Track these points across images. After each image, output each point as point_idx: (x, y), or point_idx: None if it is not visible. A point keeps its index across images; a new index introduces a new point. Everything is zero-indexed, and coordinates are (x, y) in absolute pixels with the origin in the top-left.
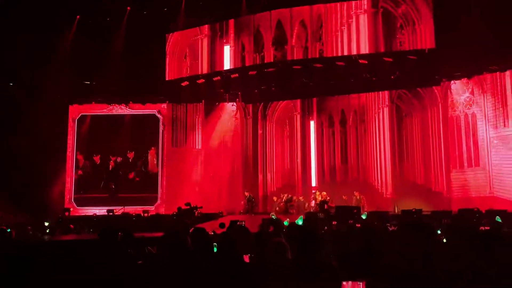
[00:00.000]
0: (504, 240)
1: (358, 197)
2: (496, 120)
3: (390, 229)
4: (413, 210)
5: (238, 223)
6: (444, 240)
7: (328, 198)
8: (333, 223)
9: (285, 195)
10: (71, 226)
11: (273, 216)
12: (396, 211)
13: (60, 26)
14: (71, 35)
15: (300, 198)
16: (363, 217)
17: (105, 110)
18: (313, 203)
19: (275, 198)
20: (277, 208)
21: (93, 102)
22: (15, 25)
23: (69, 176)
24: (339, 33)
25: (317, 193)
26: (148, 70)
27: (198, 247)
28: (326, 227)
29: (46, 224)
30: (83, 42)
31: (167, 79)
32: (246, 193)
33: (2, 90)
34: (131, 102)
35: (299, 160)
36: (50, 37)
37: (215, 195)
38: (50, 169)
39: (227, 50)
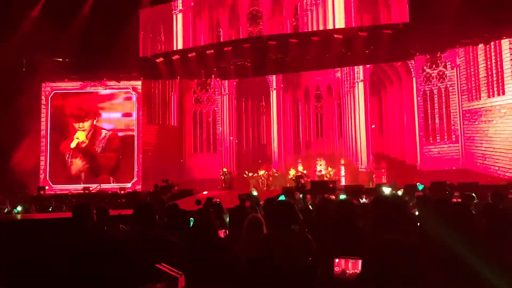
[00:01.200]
0: (475, 212)
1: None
2: (468, 94)
3: (362, 201)
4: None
5: (213, 199)
6: (417, 213)
7: (304, 171)
8: (307, 196)
9: (262, 171)
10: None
11: (253, 192)
12: (371, 184)
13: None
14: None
15: (276, 172)
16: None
17: (79, 87)
18: (289, 176)
19: (246, 172)
20: (254, 182)
21: (66, 80)
22: None
23: (43, 155)
24: (314, 7)
25: (292, 169)
26: (122, 47)
27: (173, 222)
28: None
29: (19, 208)
30: (56, 18)
31: (141, 55)
32: (222, 171)
33: None
34: (105, 79)
35: (275, 135)
36: (17, 14)
37: (192, 171)
38: (24, 147)
39: (202, 25)
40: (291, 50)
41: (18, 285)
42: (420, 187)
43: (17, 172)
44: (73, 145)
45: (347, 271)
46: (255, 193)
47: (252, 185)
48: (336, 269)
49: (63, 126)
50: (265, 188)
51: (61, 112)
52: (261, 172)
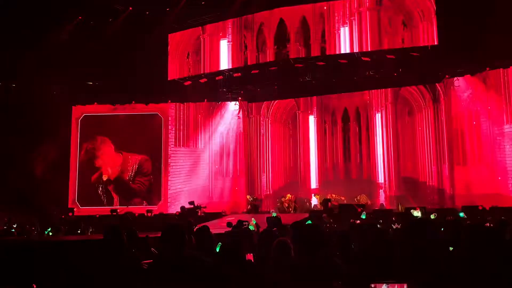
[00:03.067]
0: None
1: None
2: (500, 117)
3: (394, 227)
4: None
5: (243, 223)
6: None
7: (333, 195)
8: (323, 215)
9: (288, 195)
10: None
11: (273, 214)
12: (400, 209)
13: (60, 26)
14: (68, 35)
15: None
16: (363, 217)
17: (108, 110)
18: (315, 200)
19: (282, 199)
20: (280, 205)
21: (96, 103)
22: (15, 25)
23: (72, 177)
24: (341, 30)
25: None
26: (150, 71)
27: (202, 244)
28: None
29: (49, 230)
30: (84, 43)
31: (169, 79)
32: (248, 197)
33: (4, 91)
34: (133, 102)
35: (301, 158)
36: (50, 38)
37: (218, 194)
38: (54, 170)
39: (229, 49)
40: (318, 72)
41: None
42: (461, 214)
43: (45, 194)
44: (104, 178)
45: None
46: (274, 214)
47: (277, 208)
48: None
49: (93, 150)
50: (291, 211)
51: (91, 136)
52: (288, 196)
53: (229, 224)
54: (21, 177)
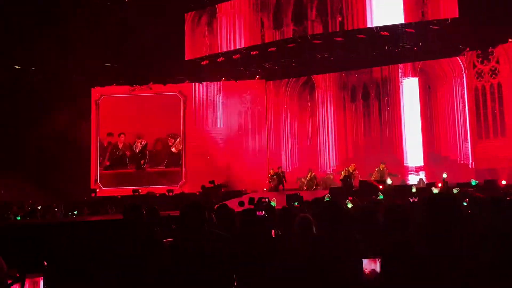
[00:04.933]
0: None
1: (381, 169)
2: None
3: (411, 200)
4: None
5: (263, 199)
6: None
7: (355, 169)
8: (349, 198)
9: (310, 172)
10: None
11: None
12: (422, 184)
13: (76, 9)
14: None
15: (328, 174)
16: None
17: (127, 91)
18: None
19: (302, 180)
20: (304, 186)
21: (114, 84)
22: (32, 9)
23: (94, 158)
24: (359, 5)
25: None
26: (168, 51)
27: (222, 222)
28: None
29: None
30: (101, 24)
31: (186, 58)
32: (271, 171)
33: (24, 75)
34: (151, 83)
35: (320, 136)
36: (66, 21)
37: (239, 172)
38: (75, 151)
39: (246, 27)
40: (336, 49)
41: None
42: (474, 182)
43: (68, 176)
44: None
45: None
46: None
47: (301, 186)
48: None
49: (113, 130)
50: (313, 188)
51: (111, 116)
52: (310, 175)
53: (241, 203)
54: (44, 161)
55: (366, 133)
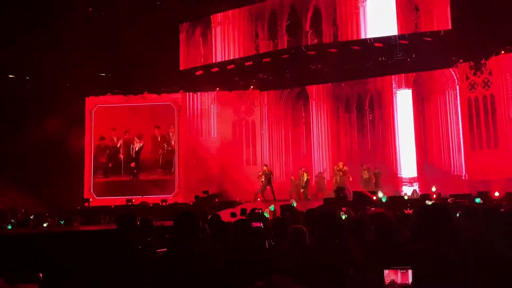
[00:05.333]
0: None
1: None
2: None
3: (406, 212)
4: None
5: (256, 211)
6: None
7: (345, 168)
8: (343, 209)
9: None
10: None
11: (293, 203)
12: (415, 195)
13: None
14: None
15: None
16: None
17: (121, 101)
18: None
19: (292, 178)
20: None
21: (109, 94)
22: (26, 19)
23: (87, 168)
24: (353, 16)
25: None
26: (162, 61)
27: (215, 233)
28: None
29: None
30: (95, 34)
31: (181, 68)
32: (261, 170)
33: (18, 84)
34: (146, 92)
35: (315, 146)
36: (60, 30)
37: (233, 183)
38: (69, 161)
39: (240, 38)
40: (330, 60)
41: None
42: (478, 200)
43: (61, 185)
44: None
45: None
46: (294, 204)
47: (293, 192)
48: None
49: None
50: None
51: (105, 126)
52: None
53: (233, 214)
54: (37, 169)
55: (359, 144)
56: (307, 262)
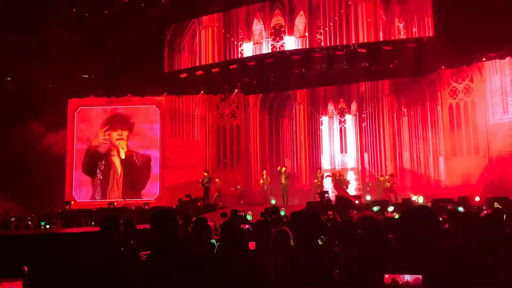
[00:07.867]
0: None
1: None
2: (496, 107)
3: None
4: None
5: (239, 213)
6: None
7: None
8: (329, 213)
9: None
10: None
11: (272, 201)
12: (398, 200)
13: (55, 19)
14: (63, 27)
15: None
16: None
17: (104, 103)
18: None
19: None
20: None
21: (92, 96)
22: (9, 18)
23: (69, 170)
24: (337, 22)
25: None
26: (146, 63)
27: (199, 235)
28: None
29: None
30: (79, 35)
31: (166, 71)
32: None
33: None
34: (129, 95)
35: (298, 150)
36: (44, 31)
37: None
38: (51, 163)
39: (225, 41)
40: (314, 64)
41: None
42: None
43: (43, 187)
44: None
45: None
46: (273, 202)
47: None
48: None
49: (90, 142)
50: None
51: (87, 128)
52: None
53: (223, 215)
54: (18, 171)
55: (342, 148)
56: (291, 264)
